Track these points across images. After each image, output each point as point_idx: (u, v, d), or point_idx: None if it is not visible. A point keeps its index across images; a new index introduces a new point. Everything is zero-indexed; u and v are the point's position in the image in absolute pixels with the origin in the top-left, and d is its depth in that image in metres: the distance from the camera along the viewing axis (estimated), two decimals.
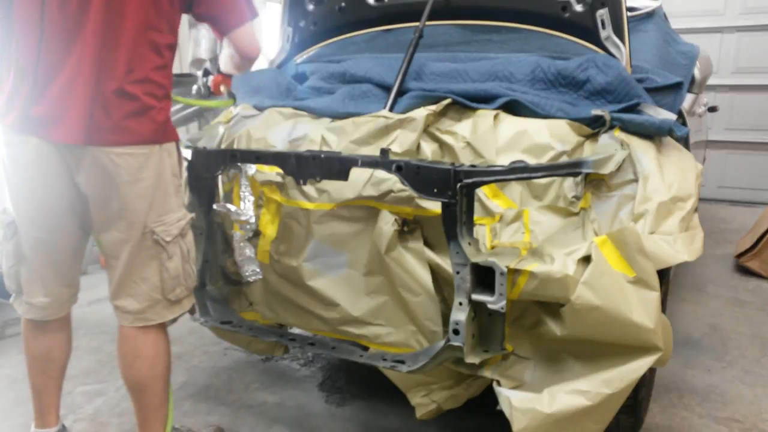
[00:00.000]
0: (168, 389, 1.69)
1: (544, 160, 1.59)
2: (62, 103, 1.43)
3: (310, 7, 2.36)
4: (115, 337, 2.77)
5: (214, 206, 1.84)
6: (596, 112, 1.63)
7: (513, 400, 1.37)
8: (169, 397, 1.69)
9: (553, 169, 1.43)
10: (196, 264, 1.71)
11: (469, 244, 1.42)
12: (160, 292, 1.60)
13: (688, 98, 2.79)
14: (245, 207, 1.80)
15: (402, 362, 1.55)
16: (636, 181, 1.51)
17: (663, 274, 1.52)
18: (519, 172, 1.40)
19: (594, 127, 1.66)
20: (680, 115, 2.45)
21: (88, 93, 1.42)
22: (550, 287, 1.32)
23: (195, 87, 2.07)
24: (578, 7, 1.92)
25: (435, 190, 1.41)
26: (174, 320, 1.74)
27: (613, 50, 1.88)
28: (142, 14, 1.45)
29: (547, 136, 1.62)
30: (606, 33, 1.89)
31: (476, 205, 1.50)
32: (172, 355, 2.53)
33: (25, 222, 1.55)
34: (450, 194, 1.39)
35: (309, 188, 1.72)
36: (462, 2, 2.17)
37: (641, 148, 1.56)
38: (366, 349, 1.70)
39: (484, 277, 1.39)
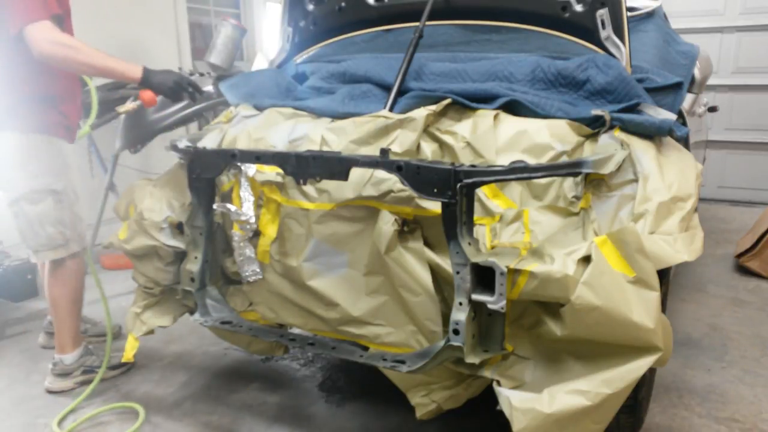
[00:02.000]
0: (74, 315, 2.30)
1: (544, 160, 1.59)
2: None
3: (310, 7, 2.36)
4: (116, 338, 2.79)
5: (214, 206, 1.84)
6: (596, 112, 1.63)
7: (513, 400, 1.37)
8: (108, 334, 2.28)
9: (553, 169, 1.43)
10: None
11: (469, 244, 1.42)
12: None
13: (688, 98, 2.79)
14: (245, 207, 1.80)
15: (402, 362, 1.55)
16: (636, 181, 1.51)
17: (663, 274, 1.52)
18: (519, 172, 1.40)
19: (594, 127, 1.66)
20: (680, 115, 2.45)
21: None
22: (550, 287, 1.32)
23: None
24: (578, 7, 1.92)
25: (435, 190, 1.41)
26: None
27: (613, 50, 1.88)
28: None
29: (547, 136, 1.62)
30: (606, 33, 1.89)
31: (476, 205, 1.50)
32: (172, 354, 2.56)
33: None
34: (450, 194, 1.39)
35: (309, 188, 1.72)
36: (462, 2, 2.17)
37: (641, 148, 1.56)
38: (366, 349, 1.70)
39: (484, 277, 1.39)
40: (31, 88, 2.08)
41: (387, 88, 1.90)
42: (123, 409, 2.15)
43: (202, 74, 2.21)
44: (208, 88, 2.18)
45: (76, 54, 1.94)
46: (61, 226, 2.18)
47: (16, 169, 2.10)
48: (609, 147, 1.55)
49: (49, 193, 2.13)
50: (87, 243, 2.35)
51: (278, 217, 1.78)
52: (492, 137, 1.64)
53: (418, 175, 1.42)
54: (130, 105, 2.11)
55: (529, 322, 1.47)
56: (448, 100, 1.74)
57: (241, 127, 1.96)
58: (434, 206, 1.51)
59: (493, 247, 1.52)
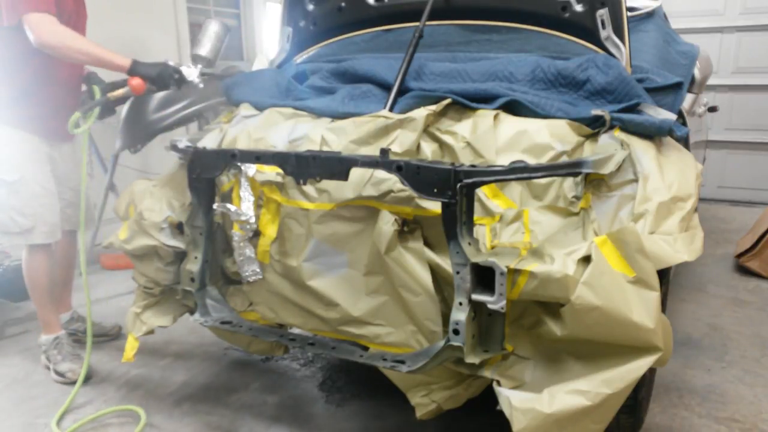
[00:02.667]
0: (41, 303, 2.40)
1: (544, 160, 1.59)
2: None
3: (310, 7, 2.36)
4: (116, 338, 2.79)
5: (214, 206, 1.84)
6: (596, 112, 1.63)
7: (513, 400, 1.37)
8: (88, 343, 2.23)
9: (553, 169, 1.43)
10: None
11: (469, 244, 1.42)
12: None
13: (688, 98, 2.79)
14: (245, 207, 1.80)
15: (402, 362, 1.55)
16: (636, 181, 1.51)
17: (663, 274, 1.52)
18: (519, 172, 1.40)
19: (594, 127, 1.66)
20: (680, 115, 2.45)
21: None
22: (550, 287, 1.32)
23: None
24: (578, 7, 1.92)
25: (435, 190, 1.41)
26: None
27: (613, 50, 1.88)
28: None
29: (547, 136, 1.62)
30: (606, 33, 1.89)
31: (476, 205, 1.50)
32: (172, 354, 2.56)
33: None
34: (450, 194, 1.39)
35: (309, 188, 1.72)
36: (462, 2, 2.17)
37: (641, 148, 1.56)
38: (366, 349, 1.70)
39: (484, 277, 1.39)
40: (7, 82, 2.19)
41: (387, 88, 1.90)
42: (123, 410, 2.15)
43: (188, 66, 2.25)
44: (194, 78, 2.23)
45: (72, 43, 2.06)
46: (15, 214, 2.27)
47: None
48: (609, 147, 1.55)
49: (2, 183, 2.26)
50: (58, 237, 2.40)
51: (278, 217, 1.78)
52: (492, 137, 1.64)
53: (418, 175, 1.42)
54: (120, 91, 2.20)
55: (529, 322, 1.47)
56: (448, 100, 1.74)
57: (241, 127, 1.96)
58: (434, 206, 1.51)
59: (493, 247, 1.52)
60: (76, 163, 2.52)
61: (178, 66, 2.24)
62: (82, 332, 2.67)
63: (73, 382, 2.25)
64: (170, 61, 2.23)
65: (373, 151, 1.63)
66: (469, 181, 1.38)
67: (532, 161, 1.56)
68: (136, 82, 2.18)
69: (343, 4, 2.32)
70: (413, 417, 1.74)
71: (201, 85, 2.25)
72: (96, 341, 2.63)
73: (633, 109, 1.68)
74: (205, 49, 2.33)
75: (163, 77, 2.19)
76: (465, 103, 1.74)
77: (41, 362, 2.45)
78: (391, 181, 1.57)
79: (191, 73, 2.25)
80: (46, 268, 2.39)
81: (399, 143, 1.66)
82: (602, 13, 1.87)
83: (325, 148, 1.73)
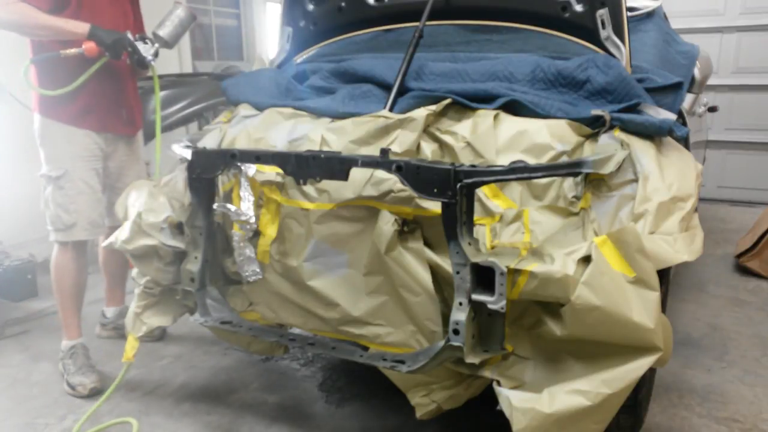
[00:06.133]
0: (63, 305, 2.37)
1: (544, 160, 1.59)
2: None
3: (310, 7, 2.36)
4: (116, 338, 2.79)
5: (214, 206, 1.84)
6: (596, 112, 1.63)
7: (513, 400, 1.37)
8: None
9: (553, 169, 1.43)
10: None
11: (469, 244, 1.42)
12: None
13: (688, 98, 2.79)
14: (245, 207, 1.80)
15: (402, 362, 1.55)
16: (636, 181, 1.51)
17: (663, 274, 1.52)
18: (519, 172, 1.40)
19: (594, 127, 1.66)
20: (680, 115, 2.45)
21: None
22: (550, 287, 1.32)
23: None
24: (578, 7, 1.92)
25: (435, 190, 1.41)
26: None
27: (613, 50, 1.88)
28: None
29: (547, 136, 1.62)
30: (606, 33, 1.89)
31: (476, 205, 1.50)
32: (172, 355, 2.57)
33: None
34: (450, 194, 1.39)
35: (309, 188, 1.72)
36: (462, 2, 2.17)
37: (641, 148, 1.56)
38: (366, 349, 1.70)
39: (484, 277, 1.39)
40: (54, 76, 2.19)
41: (387, 88, 1.90)
42: (122, 410, 2.15)
43: (146, 43, 2.27)
44: (148, 55, 2.30)
45: (23, 18, 2.05)
46: (61, 211, 2.28)
47: (39, 151, 2.30)
48: (609, 147, 1.55)
49: (49, 180, 2.28)
50: (99, 234, 2.41)
51: (278, 217, 1.78)
52: (492, 137, 1.64)
53: (418, 175, 1.42)
54: (73, 50, 2.17)
55: (529, 322, 1.47)
56: (448, 100, 1.74)
57: (241, 127, 1.96)
58: (434, 206, 1.51)
59: (493, 247, 1.52)
60: (136, 159, 2.52)
61: (137, 40, 2.25)
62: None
63: (82, 397, 2.23)
64: (128, 33, 2.23)
65: (373, 151, 1.63)
66: (469, 181, 1.38)
67: (532, 161, 1.56)
68: (90, 45, 2.15)
69: (343, 4, 2.32)
70: (413, 417, 1.74)
71: (153, 63, 2.29)
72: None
73: (633, 109, 1.68)
74: (165, 31, 2.32)
75: (116, 46, 2.17)
76: (465, 103, 1.74)
77: (58, 369, 2.39)
78: (391, 181, 1.57)
79: (147, 50, 2.26)
80: (72, 269, 2.36)
81: (399, 143, 1.66)
82: (602, 13, 1.87)
83: (325, 148, 1.73)
